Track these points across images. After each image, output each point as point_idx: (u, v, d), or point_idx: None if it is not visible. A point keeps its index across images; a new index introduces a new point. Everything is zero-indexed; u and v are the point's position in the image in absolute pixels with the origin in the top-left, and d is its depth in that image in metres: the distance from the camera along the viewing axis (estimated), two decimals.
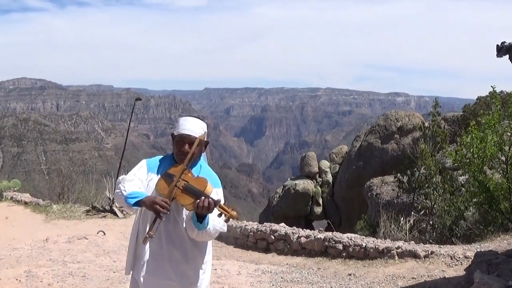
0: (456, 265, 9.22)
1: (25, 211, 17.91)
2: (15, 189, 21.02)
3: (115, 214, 17.31)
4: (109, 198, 17.95)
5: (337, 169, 33.38)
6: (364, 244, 10.52)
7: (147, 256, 4.51)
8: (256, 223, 13.34)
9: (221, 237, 13.05)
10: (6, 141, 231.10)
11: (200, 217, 4.20)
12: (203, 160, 4.77)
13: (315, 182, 33.76)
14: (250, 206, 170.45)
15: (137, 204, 4.32)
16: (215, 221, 4.30)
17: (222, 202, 4.23)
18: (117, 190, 4.52)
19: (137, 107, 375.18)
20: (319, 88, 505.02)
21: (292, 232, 11.68)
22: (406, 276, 9.13)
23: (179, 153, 4.52)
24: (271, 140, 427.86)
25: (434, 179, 16.16)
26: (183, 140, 4.50)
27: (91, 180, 22.29)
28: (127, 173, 4.70)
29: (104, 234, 13.57)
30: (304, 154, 36.39)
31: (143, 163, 4.78)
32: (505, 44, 7.52)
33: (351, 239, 10.75)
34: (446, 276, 8.68)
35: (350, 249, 10.60)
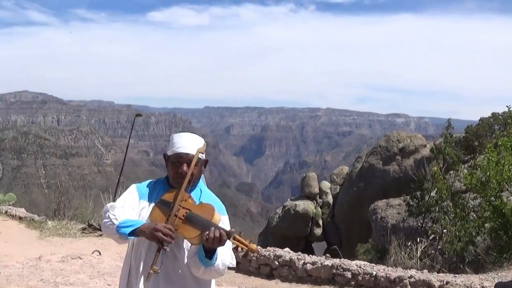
0: None
1: (19, 226, 17.42)
2: (10, 203, 20.52)
3: None
4: None
5: (337, 190, 33.04)
6: (374, 273, 9.94)
7: None
8: (259, 247, 12.81)
9: None
10: (6, 154, 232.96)
11: (209, 252, 3.47)
12: (202, 183, 4.03)
13: (315, 203, 33.39)
14: (248, 226, 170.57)
15: (134, 233, 3.53)
16: (224, 255, 3.57)
17: (237, 233, 3.48)
18: (105, 220, 3.72)
19: (137, 124, 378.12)
20: (319, 108, 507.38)
21: (297, 258, 11.06)
22: None
23: (176, 175, 3.75)
24: (271, 159, 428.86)
25: (445, 203, 15.66)
26: (180, 160, 3.75)
27: (89, 196, 21.67)
28: (125, 189, 4.01)
29: (100, 254, 13.06)
30: (304, 175, 36.03)
31: (133, 188, 3.98)
32: None
33: (360, 267, 10.15)
34: None
35: (360, 278, 10.00)
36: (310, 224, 32.42)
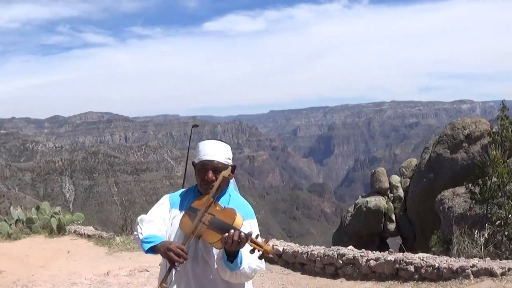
0: None
1: (88, 244, 17.66)
2: (79, 222, 20.99)
3: None
4: None
5: (408, 183, 32.68)
6: (436, 265, 9.83)
7: None
8: (323, 247, 12.76)
9: (287, 264, 12.66)
10: (77, 174, 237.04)
11: (231, 255, 3.57)
12: (232, 188, 4.16)
13: (386, 198, 33.09)
14: (324, 227, 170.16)
15: (152, 250, 3.78)
16: (251, 259, 3.63)
17: (255, 235, 3.58)
18: (135, 233, 4.03)
19: (204, 134, 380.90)
20: (384, 102, 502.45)
21: (360, 255, 11.05)
22: None
23: (203, 182, 3.93)
24: (340, 158, 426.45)
25: (508, 187, 15.43)
26: (205, 167, 3.91)
27: None
28: None
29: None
30: (373, 171, 35.74)
31: (165, 198, 4.21)
32: None
33: (423, 260, 10.06)
34: None
35: (422, 271, 9.91)
36: (383, 220, 32.10)
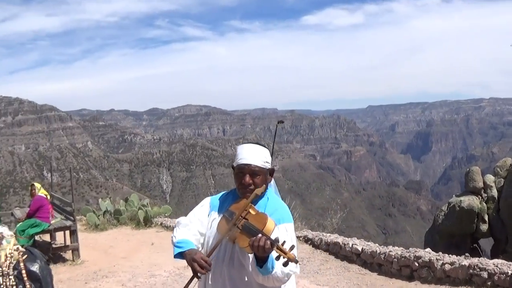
0: None
1: None
2: (166, 214, 21.25)
3: None
4: None
5: (502, 183, 31.88)
6: (510, 272, 9.43)
7: None
8: (401, 248, 12.50)
9: (365, 264, 12.58)
10: (175, 166, 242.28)
11: (261, 260, 3.54)
12: (271, 191, 4.17)
13: (480, 198, 32.35)
14: (419, 225, 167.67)
15: (180, 255, 3.78)
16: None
17: (281, 242, 3.47)
18: (172, 235, 4.03)
19: (302, 128, 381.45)
20: (483, 98, 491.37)
21: (436, 259, 10.79)
22: None
23: (240, 186, 3.94)
24: (438, 155, 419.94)
25: None
26: (242, 171, 3.92)
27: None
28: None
29: None
30: (468, 169, 34.85)
31: (206, 201, 4.24)
32: None
33: (496, 266, 9.64)
34: None
35: (495, 278, 9.53)
36: (475, 220, 31.46)
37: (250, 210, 3.77)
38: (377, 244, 13.49)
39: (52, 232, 14.57)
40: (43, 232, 13.85)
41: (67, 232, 14.65)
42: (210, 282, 3.91)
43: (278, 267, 3.54)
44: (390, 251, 12.06)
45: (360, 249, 12.92)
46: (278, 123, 20.06)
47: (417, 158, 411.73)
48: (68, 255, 14.50)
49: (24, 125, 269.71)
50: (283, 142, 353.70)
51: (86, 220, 19.91)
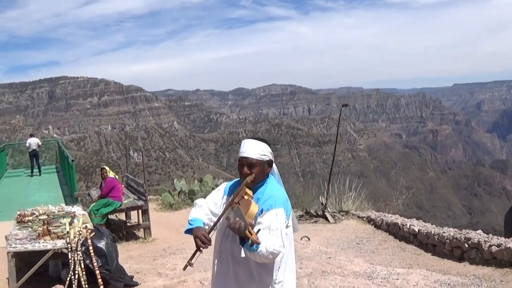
0: None
1: None
2: None
3: (326, 219, 16.98)
4: (322, 203, 17.70)
5: None
6: None
7: (215, 275, 4.69)
8: (455, 229, 12.65)
9: (421, 244, 12.95)
10: None
11: (241, 239, 4.11)
12: (272, 179, 4.70)
13: None
14: (504, 204, 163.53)
15: (190, 231, 4.43)
16: (268, 243, 4.12)
17: (257, 228, 4.11)
18: (189, 214, 4.69)
19: (387, 107, 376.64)
20: None
21: (484, 240, 10.99)
22: None
23: (240, 175, 4.55)
24: None
25: None
26: (241, 162, 4.51)
27: (344, 182, 19.83)
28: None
29: (308, 239, 13.68)
30: None
31: (222, 186, 4.87)
32: None
33: None
34: None
35: None
36: None
37: (244, 196, 4.35)
38: (434, 225, 13.84)
39: (126, 211, 15.66)
40: (117, 211, 14.94)
41: (140, 212, 15.65)
42: (218, 255, 4.65)
43: (263, 246, 4.10)
44: (444, 232, 12.33)
45: (417, 230, 13.34)
46: (342, 106, 20.42)
47: (503, 137, 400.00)
48: (140, 233, 15.39)
49: (110, 106, 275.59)
50: (369, 121, 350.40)
51: (161, 200, 20.84)
